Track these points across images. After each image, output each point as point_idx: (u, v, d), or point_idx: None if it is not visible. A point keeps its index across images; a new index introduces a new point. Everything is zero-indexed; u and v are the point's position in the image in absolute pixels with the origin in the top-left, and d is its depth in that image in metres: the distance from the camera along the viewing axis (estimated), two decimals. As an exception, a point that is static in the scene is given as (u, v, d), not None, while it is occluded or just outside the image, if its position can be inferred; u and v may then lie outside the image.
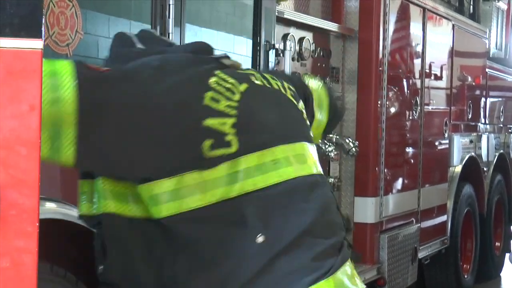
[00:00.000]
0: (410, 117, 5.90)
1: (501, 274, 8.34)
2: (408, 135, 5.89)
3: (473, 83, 7.49)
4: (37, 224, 1.64)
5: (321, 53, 5.03)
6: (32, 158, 1.64)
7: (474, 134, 7.44)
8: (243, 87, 2.07)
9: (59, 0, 2.81)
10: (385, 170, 5.36)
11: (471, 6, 8.15)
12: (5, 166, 1.62)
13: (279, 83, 2.19)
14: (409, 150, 5.92)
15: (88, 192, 2.07)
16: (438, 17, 6.43)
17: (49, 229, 2.48)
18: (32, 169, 1.64)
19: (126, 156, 1.94)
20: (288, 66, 4.34)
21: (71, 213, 2.61)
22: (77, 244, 2.75)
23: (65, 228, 2.61)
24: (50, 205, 2.58)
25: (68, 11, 2.86)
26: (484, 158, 7.63)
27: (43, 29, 1.65)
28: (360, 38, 5.32)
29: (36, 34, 1.63)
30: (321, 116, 2.49)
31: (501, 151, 8.24)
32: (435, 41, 6.37)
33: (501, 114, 8.43)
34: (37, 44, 1.64)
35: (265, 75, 2.19)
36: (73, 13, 2.88)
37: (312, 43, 4.84)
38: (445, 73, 6.62)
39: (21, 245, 1.63)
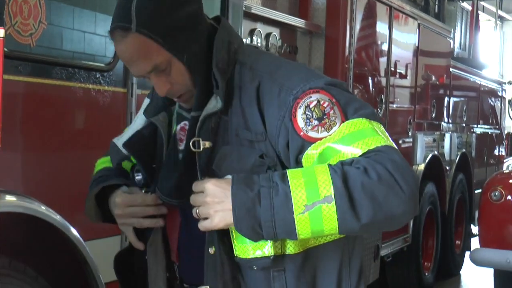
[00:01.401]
0: (375, 115, 5.90)
1: (461, 272, 8.42)
2: (372, 133, 5.89)
3: (437, 82, 7.53)
4: (-4, 218, 1.59)
5: (288, 49, 5.01)
6: (-9, 150, 1.59)
7: (438, 133, 7.49)
8: None
9: (23, -11, 2.75)
10: (349, 168, 5.35)
11: (437, 6, 8.21)
12: (-36, 158, 1.57)
13: None
14: (373, 148, 5.91)
15: None
16: (404, 15, 6.45)
17: (9, 222, 2.43)
18: (-9, 162, 1.59)
19: None
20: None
21: (32, 206, 2.56)
22: (38, 238, 2.70)
23: (25, 222, 2.56)
24: (10, 198, 2.52)
25: (32, 0, 2.80)
26: (447, 157, 7.68)
27: (4, 17, 1.60)
28: (326, 35, 5.32)
29: (-2, 22, 1.59)
30: None
31: (463, 150, 8.31)
32: (401, 40, 6.39)
33: (464, 113, 8.49)
34: (-2, 32, 1.59)
35: None
36: (36, 3, 2.82)
37: (279, 39, 4.82)
38: (410, 72, 6.65)
39: (-21, 239, 1.58)
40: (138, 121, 2.23)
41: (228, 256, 1.94)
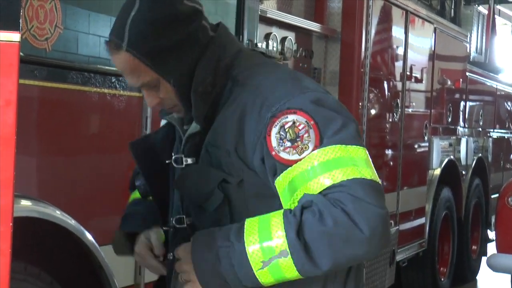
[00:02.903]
0: (391, 120, 5.89)
1: (477, 278, 8.37)
2: (388, 137, 5.88)
3: (453, 87, 7.50)
4: (11, 224, 1.58)
5: (303, 53, 5.00)
6: (7, 155, 1.58)
7: (454, 137, 7.45)
8: None
9: (39, -7, 2.75)
10: (365, 172, 5.32)
11: (453, 10, 8.17)
12: (-21, 163, 1.57)
13: None
14: (389, 152, 5.91)
15: None
16: (420, 19, 6.42)
17: (24, 227, 2.43)
18: (6, 167, 1.58)
19: None
20: (270, 65, 4.30)
21: (47, 211, 2.56)
22: (52, 243, 2.70)
23: (40, 226, 2.56)
24: (25, 203, 2.52)
25: (48, 5, 2.80)
26: (463, 161, 7.64)
27: (20, 21, 1.59)
28: (342, 39, 5.30)
29: (13, 27, 1.58)
30: None
31: (480, 155, 8.26)
32: (417, 44, 6.36)
33: (480, 118, 8.44)
34: (14, 37, 1.58)
35: None
36: (52, 7, 2.82)
37: (294, 43, 4.81)
38: (426, 76, 6.62)
39: (-7, 245, 1.57)
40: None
41: None
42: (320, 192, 1.79)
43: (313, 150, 1.82)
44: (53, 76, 2.84)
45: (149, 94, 1.98)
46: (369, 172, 1.82)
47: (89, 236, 2.69)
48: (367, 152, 1.89)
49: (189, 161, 2.01)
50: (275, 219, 1.81)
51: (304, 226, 1.77)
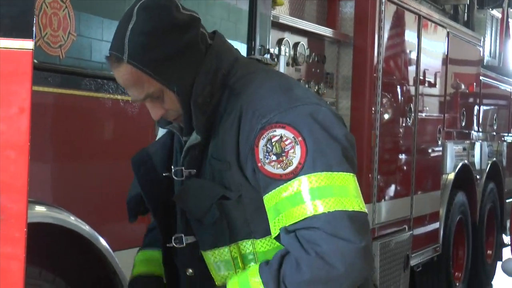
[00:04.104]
0: (404, 124, 5.88)
1: (492, 283, 8.33)
2: (401, 142, 5.87)
3: (467, 91, 7.47)
4: (25, 229, 1.60)
5: (316, 59, 5.00)
6: (21, 162, 1.60)
7: (467, 141, 7.42)
8: None
9: (52, 1, 2.77)
10: (378, 177, 5.33)
11: (466, 14, 8.14)
12: (-6, 169, 1.59)
13: None
14: (402, 157, 5.89)
15: None
16: (433, 24, 6.41)
17: (39, 233, 2.45)
18: (20, 173, 1.60)
19: None
20: (282, 71, 4.31)
21: (61, 217, 2.57)
22: (67, 248, 2.72)
23: (55, 232, 2.57)
24: (40, 209, 2.54)
25: (61, 13, 2.82)
26: (477, 166, 7.61)
27: (34, 29, 1.61)
28: (355, 44, 5.29)
29: (27, 34, 1.60)
30: None
31: (494, 159, 8.22)
32: (430, 48, 6.35)
33: (494, 122, 8.41)
34: (27, 44, 1.60)
35: None
36: (66, 15, 2.84)
37: (307, 48, 4.81)
38: (439, 80, 6.60)
39: (8, 251, 1.59)
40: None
41: (206, 278, 2.06)
42: (302, 220, 1.81)
43: (297, 166, 1.84)
44: (66, 82, 2.86)
45: (153, 106, 1.99)
46: (351, 202, 1.84)
47: (103, 241, 2.70)
48: (355, 178, 1.89)
49: (189, 173, 2.02)
50: (254, 279, 1.86)
51: (285, 278, 1.82)
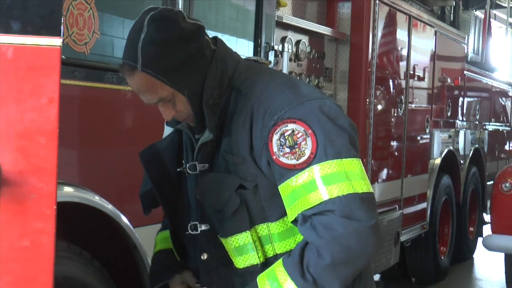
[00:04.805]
0: (395, 114, 5.87)
1: (474, 256, 8.33)
2: (393, 130, 5.86)
3: (452, 84, 7.45)
4: (55, 207, 1.61)
5: (316, 55, 4.99)
6: (50, 147, 1.61)
7: (453, 130, 7.41)
8: None
9: (78, 3, 2.77)
10: (372, 162, 5.33)
11: (452, 15, 8.12)
12: (26, 154, 1.59)
13: None
14: (394, 143, 5.89)
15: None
16: (422, 23, 6.38)
17: (67, 211, 2.46)
18: (50, 157, 1.61)
19: None
20: (286, 66, 4.31)
21: (87, 196, 2.59)
22: (92, 225, 2.73)
23: (81, 210, 2.58)
24: (68, 190, 2.55)
25: (86, 13, 2.82)
26: (461, 152, 7.60)
27: (62, 28, 1.62)
28: (351, 42, 5.29)
29: (56, 33, 1.60)
30: None
31: (476, 145, 8.21)
32: (419, 45, 6.33)
33: (477, 112, 8.39)
34: (56, 41, 1.60)
35: None
36: (90, 15, 2.84)
37: (308, 46, 4.80)
38: (427, 75, 6.58)
39: (39, 226, 1.60)
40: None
41: (220, 262, 2.04)
42: (318, 205, 1.82)
43: (309, 156, 1.84)
44: (91, 76, 2.86)
45: (165, 108, 1.98)
46: (361, 185, 1.84)
47: (124, 219, 2.71)
48: (361, 163, 1.89)
49: (203, 167, 2.01)
50: (279, 269, 1.87)
51: (309, 266, 1.82)
